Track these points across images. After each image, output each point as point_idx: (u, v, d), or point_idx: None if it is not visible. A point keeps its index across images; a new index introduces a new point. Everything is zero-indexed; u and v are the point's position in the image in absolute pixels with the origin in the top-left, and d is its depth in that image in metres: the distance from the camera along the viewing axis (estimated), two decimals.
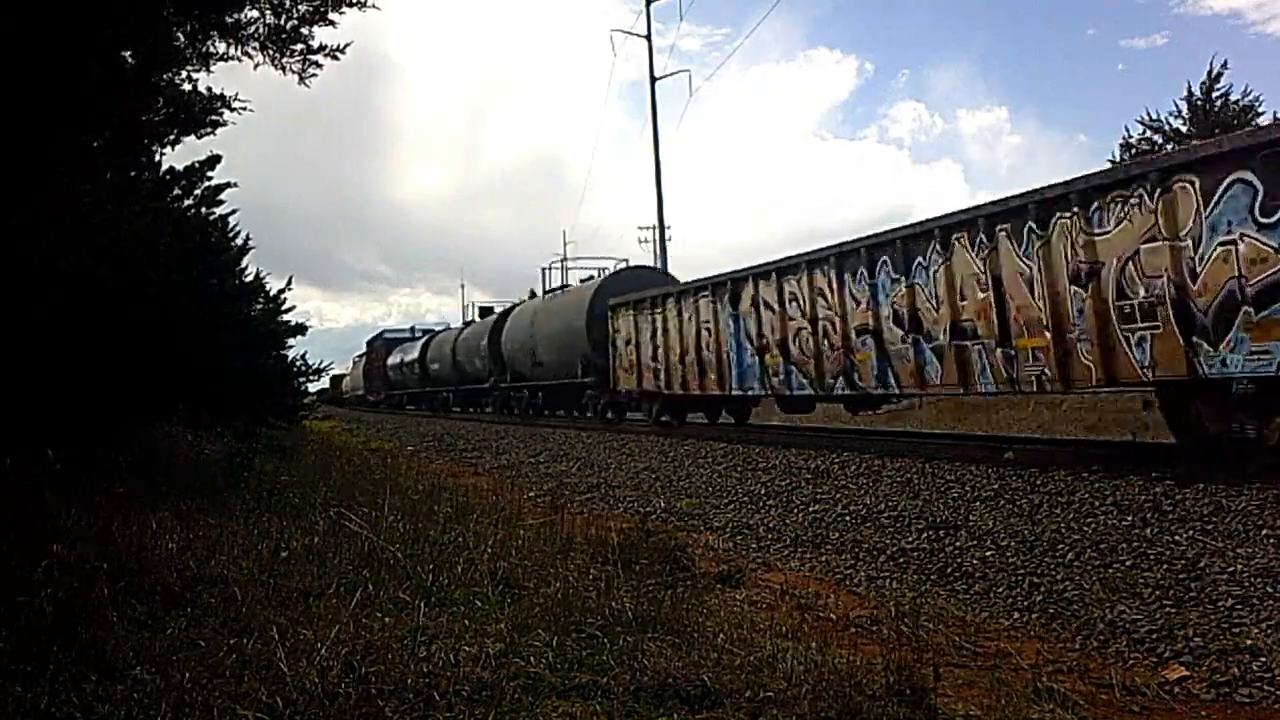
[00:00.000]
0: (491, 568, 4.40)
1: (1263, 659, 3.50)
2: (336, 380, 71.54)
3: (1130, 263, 7.88)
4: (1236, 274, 6.98)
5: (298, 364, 19.39)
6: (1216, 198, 7.13)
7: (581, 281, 24.46)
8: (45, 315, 6.52)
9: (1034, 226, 8.80)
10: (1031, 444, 10.39)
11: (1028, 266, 8.94)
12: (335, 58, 7.27)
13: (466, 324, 36.21)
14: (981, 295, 9.48)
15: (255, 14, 6.90)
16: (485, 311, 34.53)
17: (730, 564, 5.44)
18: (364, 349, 55.52)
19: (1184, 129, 28.72)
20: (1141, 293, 7.79)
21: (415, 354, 39.17)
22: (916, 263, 10.43)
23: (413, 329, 48.68)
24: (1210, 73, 29.13)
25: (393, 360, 44.27)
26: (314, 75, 7.26)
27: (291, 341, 19.31)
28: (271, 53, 7.06)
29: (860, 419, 14.23)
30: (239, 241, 16.04)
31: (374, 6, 7.32)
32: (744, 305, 13.89)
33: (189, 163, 11.16)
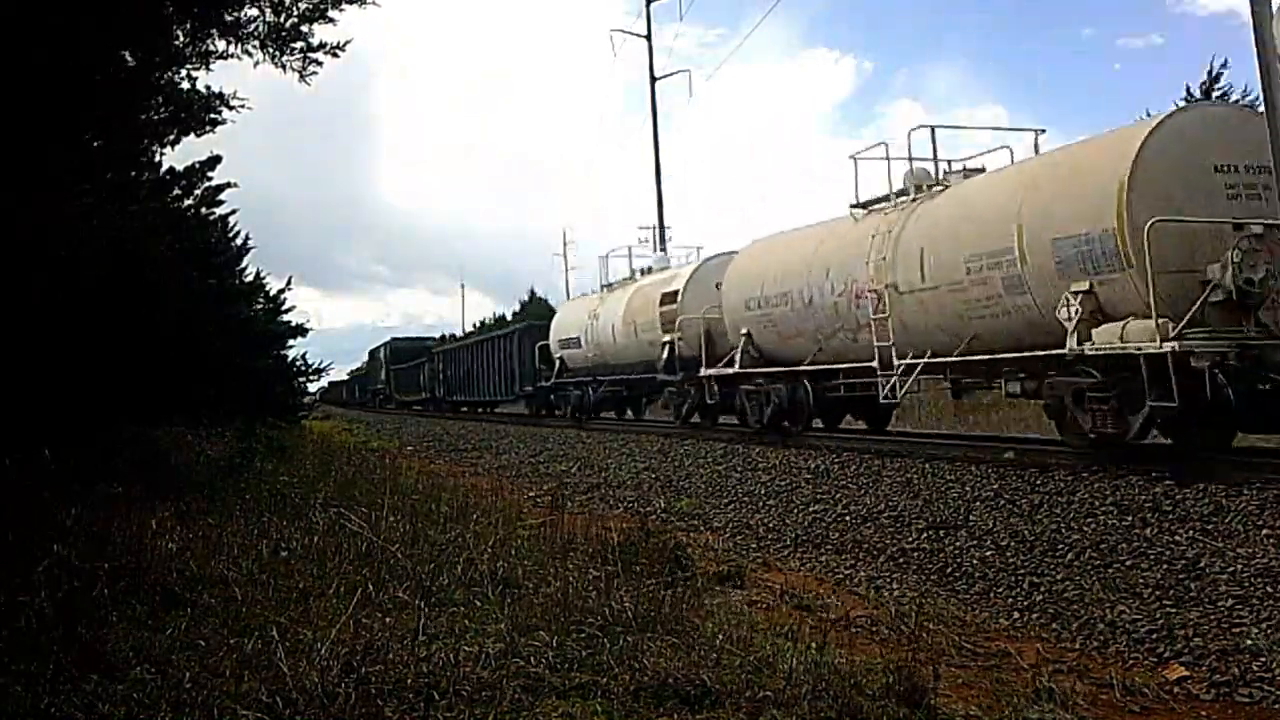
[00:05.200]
0: (491, 568, 4.40)
1: (1263, 659, 3.50)
2: (381, 361, 45.61)
3: None
4: None
5: (297, 364, 19.40)
6: None
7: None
8: (45, 316, 6.52)
9: None
10: (1031, 444, 10.38)
11: None
12: (335, 55, 7.26)
13: None
14: None
15: (255, 12, 6.90)
16: None
17: (730, 564, 5.43)
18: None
19: None
20: None
21: None
22: None
23: None
24: (1210, 72, 29.02)
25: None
26: (314, 73, 7.27)
27: (291, 342, 19.31)
28: (271, 51, 7.06)
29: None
30: (239, 242, 16.05)
31: (374, 3, 7.31)
32: None
33: (189, 163, 11.16)
